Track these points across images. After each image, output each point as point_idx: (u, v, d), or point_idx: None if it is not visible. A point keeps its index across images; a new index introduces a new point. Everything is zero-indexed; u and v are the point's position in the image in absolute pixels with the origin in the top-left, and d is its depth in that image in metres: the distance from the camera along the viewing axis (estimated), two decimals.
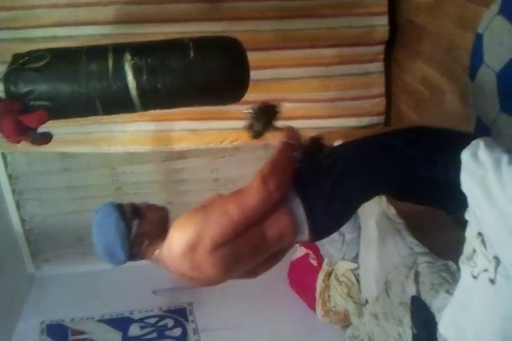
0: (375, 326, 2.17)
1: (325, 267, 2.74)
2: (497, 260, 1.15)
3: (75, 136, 2.96)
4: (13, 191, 3.18)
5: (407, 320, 1.88)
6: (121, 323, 2.95)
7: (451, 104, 2.36)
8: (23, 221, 3.26)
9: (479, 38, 1.98)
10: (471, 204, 1.26)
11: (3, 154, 3.09)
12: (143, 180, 3.25)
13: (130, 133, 3.00)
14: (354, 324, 2.47)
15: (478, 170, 1.24)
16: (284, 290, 3.01)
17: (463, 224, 1.33)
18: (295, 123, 1.80)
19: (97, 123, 2.86)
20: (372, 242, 2.33)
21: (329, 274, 2.70)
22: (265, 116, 1.73)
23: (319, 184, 1.56)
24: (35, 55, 1.97)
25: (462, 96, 2.22)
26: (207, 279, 1.52)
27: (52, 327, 2.94)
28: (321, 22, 2.83)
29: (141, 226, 1.49)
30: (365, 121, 3.05)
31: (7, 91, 1.95)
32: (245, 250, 1.48)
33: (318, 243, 2.73)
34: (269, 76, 2.86)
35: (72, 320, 2.98)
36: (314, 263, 2.86)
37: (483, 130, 1.99)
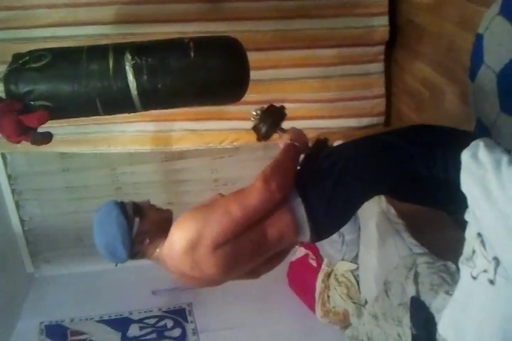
0: (375, 326, 2.17)
1: (324, 268, 2.74)
2: (497, 261, 1.15)
3: (74, 137, 2.96)
4: (13, 191, 3.18)
5: (406, 320, 1.87)
6: (120, 324, 2.95)
7: (451, 105, 2.36)
8: (22, 221, 3.26)
9: (479, 38, 1.98)
10: (470, 205, 1.26)
11: (2, 154, 3.09)
12: (143, 180, 3.25)
13: (130, 134, 3.00)
14: (353, 324, 2.47)
15: (478, 170, 1.23)
16: (284, 290, 3.01)
17: (462, 224, 1.33)
18: (295, 124, 1.80)
19: (97, 123, 2.86)
20: (371, 243, 2.33)
21: (329, 275, 2.70)
22: (271, 117, 1.74)
23: (320, 184, 1.56)
24: (36, 55, 1.97)
25: (462, 97, 2.22)
26: (207, 279, 1.52)
27: (52, 328, 2.94)
28: (321, 22, 2.83)
29: (143, 225, 1.49)
30: (365, 121, 3.05)
31: (7, 91, 1.95)
32: (246, 250, 1.48)
33: (317, 243, 2.72)
34: (269, 76, 2.86)
35: (72, 320, 2.98)
36: (314, 263, 2.86)
37: (483, 130, 1.99)
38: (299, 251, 2.96)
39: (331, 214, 1.56)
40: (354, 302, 2.50)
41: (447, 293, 1.65)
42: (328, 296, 2.68)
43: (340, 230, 1.89)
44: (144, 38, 2.17)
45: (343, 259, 2.58)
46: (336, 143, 2.07)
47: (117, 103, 2.00)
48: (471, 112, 2.11)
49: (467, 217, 1.29)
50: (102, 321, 2.97)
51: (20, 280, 3.27)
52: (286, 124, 1.77)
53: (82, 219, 3.09)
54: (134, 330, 2.92)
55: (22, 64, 1.95)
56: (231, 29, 2.65)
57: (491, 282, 1.16)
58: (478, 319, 1.21)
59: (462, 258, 1.29)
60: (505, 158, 1.21)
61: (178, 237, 1.44)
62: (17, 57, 2.00)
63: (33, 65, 1.94)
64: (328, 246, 2.64)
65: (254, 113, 1.75)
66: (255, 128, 1.76)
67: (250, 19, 2.78)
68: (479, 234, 1.21)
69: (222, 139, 3.03)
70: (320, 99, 2.99)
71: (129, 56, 1.95)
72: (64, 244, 3.32)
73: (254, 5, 2.78)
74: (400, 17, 2.87)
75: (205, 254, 1.43)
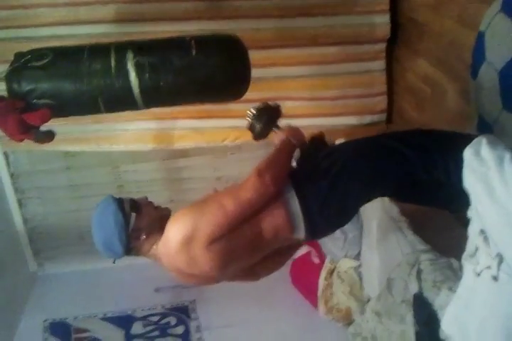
0: (378, 323, 2.18)
1: (327, 265, 2.75)
2: (500, 257, 1.15)
3: (77, 135, 2.97)
4: (16, 190, 3.18)
5: (409, 317, 1.88)
6: (123, 321, 2.96)
7: (452, 102, 2.36)
8: (25, 219, 3.27)
9: (481, 35, 1.98)
10: (473, 202, 1.26)
11: (5, 153, 3.09)
12: (145, 178, 3.25)
13: (132, 132, 3.00)
14: (356, 321, 2.48)
15: (480, 167, 1.24)
16: (287, 287, 3.01)
17: (465, 221, 1.33)
18: (296, 122, 1.81)
19: (99, 121, 2.86)
20: (374, 240, 2.33)
21: (331, 272, 2.70)
22: (266, 116, 1.74)
23: (317, 183, 1.56)
24: (38, 54, 1.97)
25: (464, 94, 2.22)
26: (204, 276, 1.52)
27: (55, 325, 2.94)
28: (322, 20, 2.83)
29: (139, 220, 1.50)
30: (366, 119, 3.05)
31: (10, 89, 1.96)
32: (241, 245, 1.49)
33: (320, 241, 2.73)
34: (270, 74, 2.86)
35: (75, 318, 2.99)
36: (316, 260, 2.86)
37: (485, 128, 1.99)
38: (302, 249, 2.96)
39: (326, 213, 1.56)
40: (357, 300, 2.50)
41: (450, 289, 1.66)
42: (331, 293, 2.69)
43: (343, 227, 1.89)
44: (146, 37, 2.17)
45: (345, 256, 2.59)
46: (337, 141, 2.07)
47: (119, 101, 2.01)
48: (472, 109, 2.11)
49: (470, 213, 1.29)
50: (105, 318, 2.98)
51: (24, 279, 3.28)
52: (287, 122, 1.78)
53: (85, 217, 3.04)
54: (137, 328, 2.92)
55: (24, 63, 1.96)
56: (232, 27, 2.65)
57: (495, 278, 1.16)
58: (481, 315, 1.22)
59: (465, 255, 1.29)
60: (507, 155, 1.21)
61: (173, 233, 1.45)
62: (19, 55, 2.01)
63: (35, 64, 1.94)
64: (330, 243, 2.64)
65: (250, 112, 1.75)
66: (250, 127, 1.76)
67: (252, 17, 2.78)
68: (482, 231, 1.21)
69: (224, 137, 3.03)
70: (321, 96, 2.98)
71: (130, 54, 1.95)
72: (67, 242, 3.32)
73: (256, 3, 2.78)
74: (401, 14, 2.87)
75: (201, 249, 1.43)
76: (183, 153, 3.19)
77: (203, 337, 2.84)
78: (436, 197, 1.63)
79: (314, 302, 2.83)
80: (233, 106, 2.74)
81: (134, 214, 1.50)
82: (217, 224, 1.43)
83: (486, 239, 1.20)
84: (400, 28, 2.88)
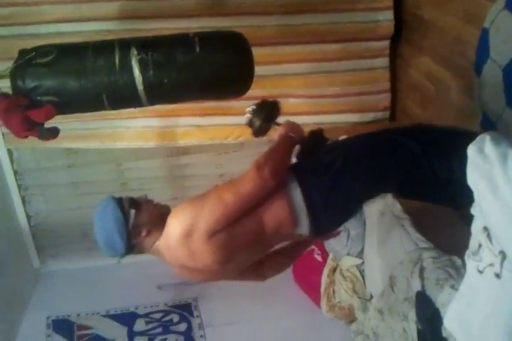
0: (380, 321, 2.18)
1: (330, 262, 2.75)
2: (503, 254, 1.15)
3: (80, 132, 2.97)
4: (19, 187, 3.19)
5: (412, 315, 1.88)
6: (126, 318, 2.96)
7: (456, 99, 2.36)
8: (28, 216, 3.28)
9: (485, 32, 1.97)
10: (477, 199, 1.26)
11: (9, 150, 3.10)
12: (148, 175, 3.26)
13: (135, 129, 3.00)
14: (359, 319, 2.48)
15: (484, 164, 1.23)
16: (289, 285, 3.01)
17: (468, 219, 1.33)
18: (300, 119, 1.81)
19: (103, 119, 2.87)
20: (377, 238, 2.33)
21: (334, 269, 2.70)
22: (264, 112, 1.74)
23: (320, 178, 1.56)
24: (42, 51, 1.98)
25: (468, 91, 2.22)
26: (207, 270, 1.53)
27: (58, 322, 2.95)
28: (325, 17, 2.83)
29: (139, 217, 1.51)
30: (370, 116, 3.05)
31: (14, 86, 1.96)
32: (243, 238, 1.49)
33: None
34: (273, 71, 2.86)
35: (78, 315, 2.99)
36: (319, 258, 2.86)
37: (488, 125, 1.99)
38: None
39: (329, 208, 1.56)
40: (359, 297, 2.50)
41: (453, 287, 1.65)
42: (334, 291, 2.68)
43: (346, 225, 1.89)
44: (149, 34, 2.17)
45: (348, 254, 2.58)
46: (340, 138, 2.07)
47: (123, 98, 2.02)
48: (476, 107, 2.10)
49: (473, 211, 1.29)
50: (108, 316, 2.98)
51: (27, 276, 3.29)
52: (288, 119, 1.77)
53: (88, 214, 3.02)
54: (140, 325, 2.93)
55: (28, 60, 1.96)
56: (236, 24, 2.65)
57: (497, 276, 1.16)
58: (484, 313, 1.22)
59: (468, 252, 1.29)
60: (511, 152, 1.21)
61: (174, 226, 1.47)
62: (23, 53, 2.01)
63: (40, 61, 1.95)
64: (333, 241, 2.64)
65: (249, 108, 1.75)
66: (249, 123, 1.76)
67: (255, 14, 2.78)
68: (485, 228, 1.21)
69: (227, 134, 3.03)
70: (324, 94, 2.98)
71: (134, 51, 1.96)
72: (70, 239, 3.33)
73: (259, 0, 2.77)
74: (405, 11, 2.86)
75: (201, 242, 1.44)
76: (186, 151, 3.19)
77: (206, 334, 2.84)
78: (439, 194, 1.63)
79: (317, 300, 2.83)
80: (236, 104, 2.74)
81: (133, 211, 1.51)
82: (216, 217, 1.45)
83: (489, 236, 1.20)
84: (403, 25, 2.88)
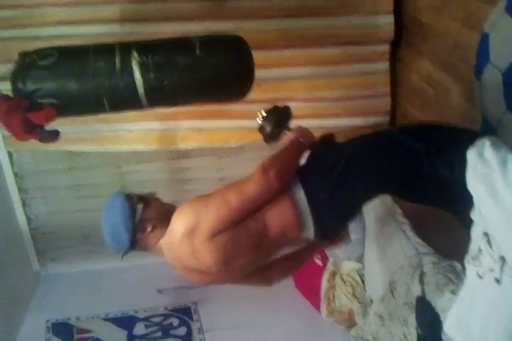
0: (380, 326, 2.17)
1: (330, 267, 2.74)
2: (503, 260, 1.15)
3: (80, 135, 2.97)
4: (19, 189, 3.19)
5: (412, 320, 1.87)
6: (126, 322, 2.96)
7: (456, 103, 2.36)
8: (28, 219, 3.27)
9: (485, 36, 1.97)
10: (476, 204, 1.26)
11: (9, 152, 3.09)
12: (148, 178, 3.26)
13: (136, 132, 3.00)
14: (359, 324, 2.47)
15: (484, 169, 1.23)
16: (289, 289, 3.00)
17: (468, 224, 1.33)
18: (300, 123, 1.81)
19: (103, 122, 2.87)
20: (377, 242, 2.33)
21: (334, 274, 2.69)
22: (275, 117, 1.76)
23: (324, 179, 1.57)
24: (43, 53, 1.98)
25: (468, 96, 2.21)
26: (210, 272, 1.53)
27: (58, 326, 2.94)
28: (326, 21, 2.83)
29: (146, 212, 1.54)
30: (370, 120, 3.04)
31: (15, 89, 1.96)
32: (246, 240, 1.50)
33: None
34: (274, 75, 2.86)
35: (78, 318, 2.98)
36: (319, 263, 2.86)
37: (488, 129, 1.98)
38: None
39: (333, 208, 1.56)
40: (359, 302, 2.49)
41: (453, 292, 1.65)
42: (334, 296, 2.68)
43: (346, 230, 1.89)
44: (150, 37, 2.17)
45: (348, 259, 2.58)
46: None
47: (124, 100, 2.02)
48: (476, 111, 2.10)
49: (473, 215, 1.29)
50: (108, 319, 2.98)
51: (27, 279, 3.28)
52: (296, 123, 1.78)
53: (88, 217, 3.10)
54: (139, 329, 2.92)
55: (29, 62, 1.97)
56: (236, 27, 2.65)
57: (497, 281, 1.16)
58: (483, 318, 1.21)
59: (468, 257, 1.29)
60: (511, 157, 1.21)
61: (177, 224, 1.48)
62: (24, 55, 2.02)
63: (40, 63, 1.95)
64: None
65: (260, 114, 1.77)
66: (261, 129, 1.78)
67: (255, 18, 2.78)
68: (485, 233, 1.21)
69: (228, 138, 3.03)
70: (325, 97, 2.98)
71: (135, 54, 1.96)
72: (70, 242, 3.33)
73: (260, 3, 2.78)
74: (405, 15, 2.86)
75: (203, 241, 1.45)
76: (187, 154, 3.19)
77: (205, 338, 2.83)
78: (439, 196, 1.63)
79: (317, 305, 2.82)
80: (236, 107, 2.74)
81: (140, 206, 1.54)
82: (220, 217, 1.45)
83: (489, 241, 1.19)
84: (404, 29, 2.88)
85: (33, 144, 2.25)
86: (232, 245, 1.48)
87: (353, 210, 1.65)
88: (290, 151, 1.64)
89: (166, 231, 1.52)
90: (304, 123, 2.28)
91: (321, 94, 2.97)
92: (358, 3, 2.83)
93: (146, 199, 1.58)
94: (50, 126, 2.04)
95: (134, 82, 1.96)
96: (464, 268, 1.37)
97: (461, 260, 1.43)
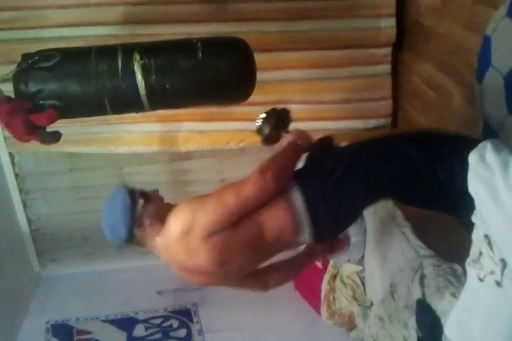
0: (380, 329, 2.17)
1: (330, 269, 2.74)
2: (504, 262, 1.15)
3: (82, 136, 2.98)
4: (20, 191, 3.19)
5: (412, 322, 1.87)
6: (126, 323, 2.95)
7: (458, 107, 2.36)
8: (29, 220, 3.28)
9: (487, 40, 1.97)
10: (478, 207, 1.26)
11: (10, 154, 3.10)
12: (149, 180, 3.25)
13: (137, 134, 3.01)
14: (359, 326, 2.47)
15: (485, 172, 1.23)
16: (289, 292, 3.00)
17: (469, 227, 1.33)
18: (301, 125, 1.81)
19: (105, 123, 2.87)
20: (377, 245, 2.33)
21: (334, 276, 2.69)
22: (274, 120, 1.76)
23: (322, 183, 1.56)
24: (45, 55, 1.99)
25: (469, 99, 2.21)
26: (203, 271, 1.53)
27: (58, 327, 2.94)
28: (327, 24, 2.84)
29: (146, 208, 1.56)
30: (371, 123, 3.05)
31: (17, 90, 1.97)
32: (241, 242, 1.50)
33: None
34: (275, 77, 2.86)
35: (78, 319, 2.98)
36: (319, 265, 2.85)
37: (490, 133, 1.98)
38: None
39: (331, 214, 1.56)
40: (360, 305, 2.49)
41: (453, 295, 1.65)
42: (334, 298, 2.68)
43: (346, 232, 1.89)
44: (152, 39, 2.18)
45: (348, 261, 2.58)
46: (342, 144, 2.07)
47: (126, 102, 2.02)
48: (478, 114, 2.10)
49: (474, 218, 1.29)
50: (107, 321, 2.98)
51: (27, 280, 3.28)
52: (294, 126, 1.78)
53: (89, 218, 3.10)
54: (139, 330, 2.92)
55: (31, 63, 1.97)
56: (238, 30, 2.66)
57: (498, 284, 1.16)
58: (484, 320, 1.21)
59: (469, 260, 1.29)
60: None
61: (173, 223, 1.49)
62: (26, 56, 2.02)
63: (43, 65, 1.95)
64: None
65: (259, 116, 1.77)
66: (259, 131, 1.78)
67: (257, 20, 2.79)
68: (486, 236, 1.21)
69: (229, 140, 3.03)
70: (326, 100, 2.98)
71: (137, 56, 1.97)
72: (71, 244, 3.33)
73: (261, 6, 2.79)
74: (407, 18, 2.87)
75: (198, 241, 1.46)
76: (188, 156, 3.19)
77: (205, 340, 2.84)
78: (441, 201, 1.63)
79: (317, 307, 2.82)
80: (238, 109, 2.75)
81: (141, 201, 1.56)
82: (216, 217, 1.46)
83: (490, 244, 1.19)
84: (405, 31, 2.88)
85: (35, 145, 2.26)
86: (227, 246, 1.48)
87: (351, 214, 1.64)
88: (288, 154, 1.64)
89: (162, 228, 1.52)
90: (306, 125, 2.30)
91: (322, 96, 2.97)
92: (360, 6, 2.84)
93: (148, 196, 1.60)
94: (51, 128, 2.05)
95: (136, 84, 1.97)
96: (464, 270, 1.37)
97: (461, 263, 1.43)
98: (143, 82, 1.97)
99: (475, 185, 1.26)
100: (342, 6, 2.82)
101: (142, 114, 2.28)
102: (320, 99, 2.98)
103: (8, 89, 2.06)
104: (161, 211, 1.56)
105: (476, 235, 1.27)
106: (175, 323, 2.97)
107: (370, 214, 2.35)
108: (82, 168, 3.20)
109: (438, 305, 1.70)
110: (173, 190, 3.28)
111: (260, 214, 1.52)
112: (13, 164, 3.13)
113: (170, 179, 3.27)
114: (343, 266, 2.62)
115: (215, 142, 3.04)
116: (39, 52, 2.02)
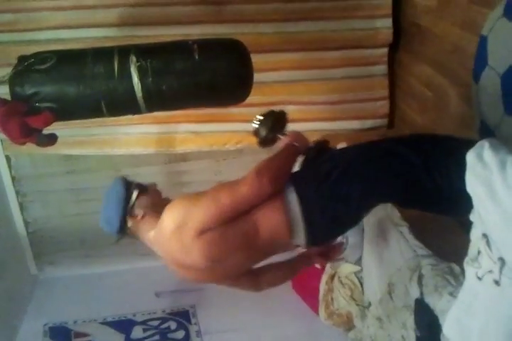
0: (379, 329, 2.17)
1: (328, 270, 2.74)
2: (502, 261, 1.15)
3: (78, 138, 2.97)
4: (17, 193, 3.19)
5: (410, 322, 1.87)
6: (124, 325, 2.95)
7: (455, 107, 2.36)
8: (26, 223, 3.27)
9: (483, 40, 1.98)
10: (476, 206, 1.26)
11: (7, 156, 3.09)
12: (146, 181, 3.25)
13: (134, 136, 3.00)
14: (357, 327, 2.47)
15: (483, 171, 1.23)
16: (287, 292, 3.00)
17: (467, 226, 1.33)
18: (298, 126, 1.82)
19: (101, 125, 2.87)
20: (375, 245, 2.33)
21: (332, 277, 2.69)
22: (271, 122, 1.76)
23: (318, 185, 1.56)
24: (41, 57, 1.99)
25: (466, 99, 2.22)
26: (196, 268, 1.53)
27: (55, 329, 2.93)
28: (324, 24, 2.84)
29: (140, 199, 1.58)
30: (368, 123, 3.05)
31: (13, 92, 1.97)
32: (234, 240, 1.51)
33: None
34: (272, 78, 2.86)
35: (75, 322, 2.98)
36: (317, 265, 2.85)
37: (487, 133, 1.99)
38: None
39: (326, 217, 1.56)
40: (358, 305, 2.49)
41: (451, 294, 1.65)
42: (332, 298, 2.68)
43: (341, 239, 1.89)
44: (149, 41, 2.18)
45: (346, 261, 2.58)
46: (339, 146, 2.08)
47: (122, 104, 2.02)
48: (475, 114, 2.11)
49: (472, 217, 1.29)
50: (105, 323, 2.97)
51: (24, 282, 3.27)
52: (291, 127, 1.79)
53: (86, 220, 3.10)
54: (137, 332, 2.91)
55: (27, 66, 1.97)
56: (235, 31, 2.66)
57: (496, 282, 1.16)
58: (483, 319, 1.21)
59: (467, 259, 1.29)
60: (510, 159, 1.21)
61: (167, 218, 1.50)
62: (22, 59, 2.02)
63: (39, 67, 1.95)
64: None
65: (256, 118, 1.77)
66: (255, 133, 1.79)
67: (254, 21, 2.79)
68: (484, 235, 1.21)
69: (226, 141, 3.03)
70: (323, 101, 2.99)
71: (133, 58, 1.97)
72: (68, 246, 3.32)
73: (258, 7, 2.79)
74: (403, 19, 2.87)
75: (191, 238, 1.47)
76: (185, 157, 3.19)
77: None
78: (439, 203, 1.62)
79: (315, 307, 2.82)
80: (235, 110, 2.75)
81: (136, 192, 1.58)
82: (209, 215, 1.47)
83: (488, 243, 1.20)
84: (402, 32, 2.89)
85: (31, 148, 2.25)
86: (219, 244, 1.49)
87: (346, 218, 1.63)
88: (285, 156, 1.65)
89: (155, 221, 1.54)
90: (303, 126, 2.30)
91: (319, 97, 2.98)
92: (357, 7, 2.84)
93: (144, 188, 1.61)
94: (47, 130, 2.04)
95: (132, 86, 1.97)
96: (462, 270, 1.37)
97: (459, 262, 1.43)
98: (139, 84, 1.97)
99: (473, 183, 1.26)
100: (338, 6, 2.83)
101: (139, 116, 2.27)
102: (317, 99, 2.98)
103: (4, 91, 2.05)
104: (155, 203, 1.58)
105: (474, 234, 1.27)
106: (173, 325, 2.96)
107: (368, 215, 2.35)
108: (79, 170, 3.20)
109: (436, 304, 1.71)
110: (171, 192, 3.25)
111: (255, 214, 1.52)
112: (9, 167, 3.12)
113: (167, 180, 3.26)
114: (341, 266, 2.62)
115: (212, 143, 3.04)
116: (35, 55, 2.02)
